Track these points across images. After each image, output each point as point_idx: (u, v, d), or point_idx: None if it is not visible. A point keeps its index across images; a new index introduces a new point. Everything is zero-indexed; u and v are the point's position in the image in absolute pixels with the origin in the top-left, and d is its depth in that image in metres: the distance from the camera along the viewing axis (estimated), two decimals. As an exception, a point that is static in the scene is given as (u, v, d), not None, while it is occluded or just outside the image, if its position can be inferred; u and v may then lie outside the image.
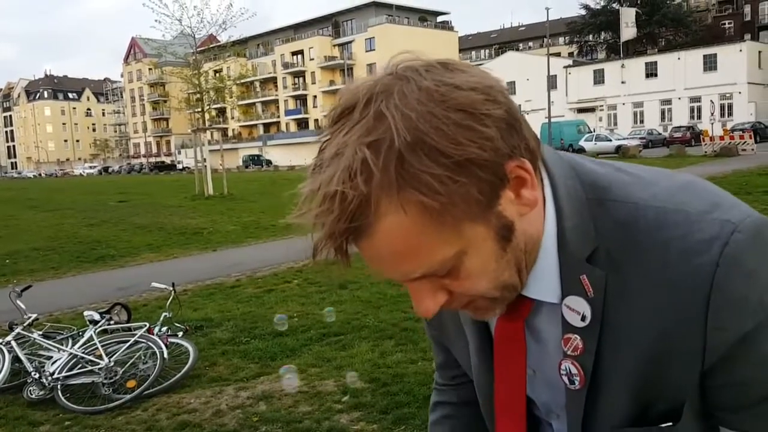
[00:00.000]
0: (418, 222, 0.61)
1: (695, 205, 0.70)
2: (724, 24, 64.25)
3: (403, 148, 0.59)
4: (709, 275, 0.66)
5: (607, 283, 0.71)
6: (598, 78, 55.25)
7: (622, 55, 56.13)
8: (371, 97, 0.62)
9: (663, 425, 0.74)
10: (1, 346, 4.85)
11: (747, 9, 64.27)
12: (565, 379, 0.77)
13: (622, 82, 53.53)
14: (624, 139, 40.21)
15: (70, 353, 4.78)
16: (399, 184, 0.60)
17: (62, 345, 4.98)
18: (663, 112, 52.65)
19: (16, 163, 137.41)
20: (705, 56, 50.02)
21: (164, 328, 5.14)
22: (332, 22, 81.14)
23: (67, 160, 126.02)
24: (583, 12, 62.89)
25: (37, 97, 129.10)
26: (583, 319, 0.73)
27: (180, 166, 77.80)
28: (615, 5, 58.83)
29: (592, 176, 0.75)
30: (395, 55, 0.67)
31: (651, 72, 52.90)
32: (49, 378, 4.60)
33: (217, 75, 29.29)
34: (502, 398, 0.85)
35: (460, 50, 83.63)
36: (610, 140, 39.18)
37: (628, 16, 54.69)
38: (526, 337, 0.80)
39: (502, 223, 0.66)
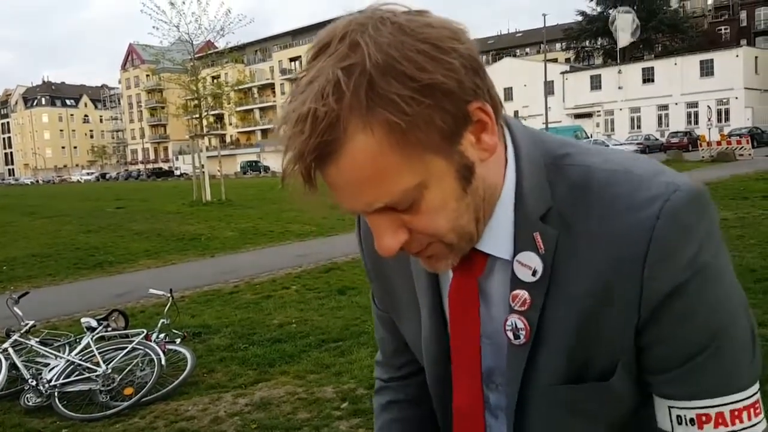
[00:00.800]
0: (384, 143, 0.63)
1: (644, 168, 0.74)
2: (721, 29, 64.50)
3: (373, 71, 0.61)
4: (649, 228, 0.69)
5: (558, 241, 0.74)
6: (595, 83, 55.39)
7: (618, 61, 56.30)
8: (347, 32, 0.64)
9: (596, 382, 0.75)
10: (-2, 354, 4.82)
11: (743, 15, 64.56)
12: (510, 334, 0.77)
13: (619, 88, 53.67)
14: (621, 144, 40.24)
15: (68, 360, 4.76)
16: (368, 105, 0.61)
17: (59, 352, 4.96)
18: (660, 118, 52.78)
19: (13, 170, 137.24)
20: (702, 62, 50.21)
21: (162, 335, 5.11)
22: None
23: (65, 166, 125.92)
24: (579, 18, 63.07)
25: (34, 103, 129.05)
26: (534, 273, 0.75)
27: (177, 173, 77.85)
28: (611, 11, 59.01)
29: (552, 144, 0.79)
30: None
31: (648, 77, 53.07)
32: (47, 385, 4.57)
33: (215, 81, 29.30)
34: (459, 358, 0.85)
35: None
36: (608, 146, 39.11)
37: (623, 21, 54.83)
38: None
39: (463, 163, 0.68)
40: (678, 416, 0.74)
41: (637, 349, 0.74)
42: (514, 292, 0.76)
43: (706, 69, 49.81)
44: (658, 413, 0.76)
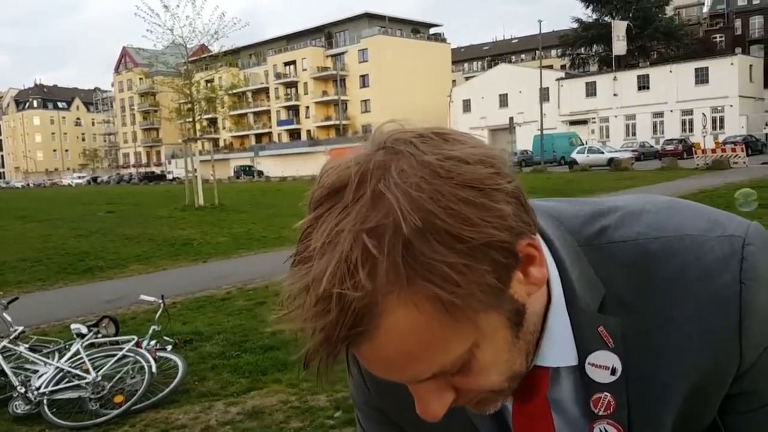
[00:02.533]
0: (431, 318, 0.53)
1: (695, 227, 0.67)
2: (716, 38, 65.05)
3: (410, 233, 0.51)
4: (736, 294, 0.63)
5: (625, 330, 0.67)
6: (590, 90, 55.63)
7: (614, 68, 56.59)
8: (364, 176, 0.54)
9: None
10: (-14, 360, 4.74)
11: (738, 23, 65.12)
12: None
13: (614, 95, 53.93)
14: (616, 151, 40.45)
15: (57, 367, 4.68)
16: (409, 277, 0.52)
17: (49, 359, 4.87)
18: (655, 125, 53.06)
19: (3, 173, 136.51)
20: (697, 69, 50.54)
21: (153, 342, 5.03)
22: (325, 33, 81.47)
23: (56, 170, 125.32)
24: (575, 25, 63.41)
25: (26, 106, 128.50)
26: (613, 372, 0.67)
27: (170, 177, 77.56)
28: (607, 18, 59.35)
29: (575, 221, 0.71)
30: (380, 125, 0.60)
31: (643, 85, 53.35)
32: (36, 392, 4.49)
33: (209, 85, 29.22)
34: None
35: (453, 62, 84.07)
36: (603, 152, 39.41)
37: (619, 30, 55.18)
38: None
39: (514, 308, 0.60)
40: None
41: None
42: (595, 397, 0.69)
43: (701, 77, 50.13)
44: None
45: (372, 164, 0.55)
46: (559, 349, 0.68)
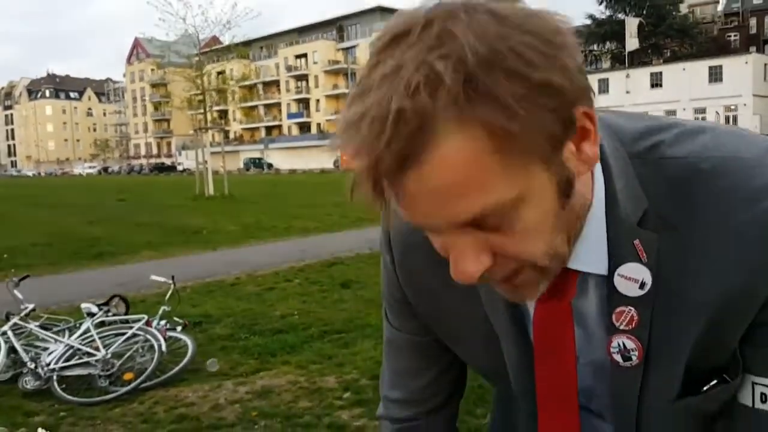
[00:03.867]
0: (484, 148, 0.52)
1: (750, 151, 0.65)
2: (730, 36, 64.39)
3: (474, 64, 0.50)
4: None
5: (661, 247, 0.65)
6: (603, 87, 55.25)
7: (627, 65, 56.19)
8: (432, 19, 0.53)
9: (719, 385, 0.69)
10: (-3, 336, 4.77)
11: (753, 22, 64.48)
12: (618, 357, 0.70)
13: (627, 92, 53.56)
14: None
15: (67, 344, 4.69)
16: (469, 102, 0.51)
17: (59, 336, 4.89)
18: (667, 123, 52.70)
19: (15, 161, 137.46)
20: (710, 67, 50.12)
21: (163, 322, 5.05)
22: (337, 27, 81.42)
23: (67, 159, 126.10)
24: (588, 21, 62.99)
25: (38, 96, 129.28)
26: (642, 286, 0.66)
27: (180, 168, 77.94)
28: (620, 15, 58.89)
29: (632, 132, 0.69)
30: None
31: (656, 82, 52.98)
32: (45, 369, 4.51)
33: (220, 76, 29.28)
34: (546, 391, 0.77)
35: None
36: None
37: (632, 27, 54.78)
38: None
39: (565, 176, 0.58)
40: (762, 394, 0.68)
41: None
42: (618, 310, 0.68)
43: (715, 75, 49.72)
44: (741, 389, 0.70)
45: (438, 10, 0.54)
46: (592, 254, 0.67)
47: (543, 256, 0.61)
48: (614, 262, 0.67)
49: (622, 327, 0.68)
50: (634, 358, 0.69)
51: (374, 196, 0.55)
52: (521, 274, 0.62)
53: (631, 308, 0.67)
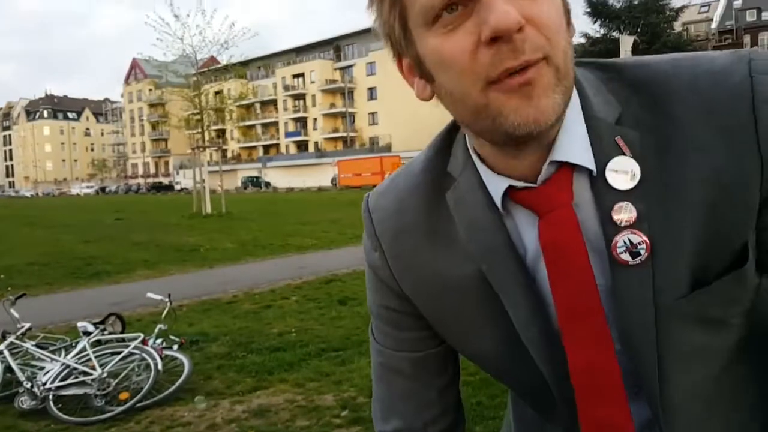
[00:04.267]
0: None
1: (704, 53, 0.70)
2: (723, 54, 64.99)
3: None
4: (747, 89, 0.63)
5: (643, 142, 0.67)
6: (597, 105, 55.64)
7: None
8: None
9: (729, 274, 0.67)
10: (-7, 356, 4.74)
11: (747, 39, 65.03)
12: (626, 256, 0.67)
13: (621, 110, 53.92)
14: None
15: (63, 363, 4.67)
16: None
17: (55, 355, 4.87)
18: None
19: (13, 182, 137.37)
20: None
21: (159, 340, 5.02)
22: (334, 46, 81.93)
23: (65, 179, 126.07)
24: (582, 40, 63.53)
25: (36, 116, 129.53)
26: (632, 177, 0.66)
27: (178, 187, 77.91)
28: (615, 33, 59.41)
29: (602, 62, 0.74)
30: None
31: (649, 100, 53.32)
32: (42, 388, 4.48)
33: (218, 96, 29.40)
34: (576, 317, 0.70)
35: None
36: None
37: (627, 45, 55.23)
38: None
39: (565, 5, 0.65)
40: None
41: (758, 229, 0.67)
42: (617, 206, 0.67)
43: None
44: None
45: None
46: (576, 147, 0.67)
47: (561, 47, 0.62)
48: (601, 160, 0.67)
49: (623, 224, 0.67)
50: (642, 252, 0.66)
51: None
52: (540, 68, 0.61)
53: (627, 202, 0.67)
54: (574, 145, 0.67)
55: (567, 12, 0.65)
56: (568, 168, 0.68)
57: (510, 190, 0.71)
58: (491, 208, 0.73)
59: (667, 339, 0.68)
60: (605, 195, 0.67)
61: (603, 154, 0.67)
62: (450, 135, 0.80)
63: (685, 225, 0.66)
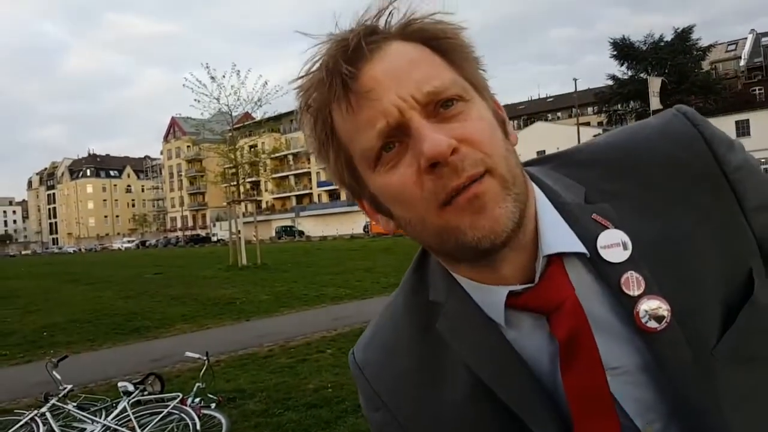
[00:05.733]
0: (425, 50, 0.66)
1: (629, 126, 0.76)
2: (755, 90, 64.18)
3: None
4: (696, 134, 0.70)
5: (616, 209, 0.69)
6: (629, 146, 55.12)
7: (652, 123, 56.00)
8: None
9: (746, 305, 0.67)
10: (36, 418, 4.82)
11: (776, 75, 64.24)
12: (652, 323, 0.64)
13: (654, 149, 53.25)
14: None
15: (104, 425, 4.73)
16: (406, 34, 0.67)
17: (96, 416, 4.94)
18: (697, 178, 51.98)
19: (57, 238, 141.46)
20: (737, 122, 49.73)
21: (197, 399, 5.06)
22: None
23: (107, 235, 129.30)
24: (610, 82, 63.51)
25: (80, 175, 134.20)
26: (625, 247, 0.66)
27: (215, 239, 79.11)
28: (642, 75, 59.28)
29: (548, 155, 0.79)
30: None
31: (683, 139, 52.62)
32: (82, 450, 4.54)
33: (252, 150, 30.11)
34: (582, 400, 0.66)
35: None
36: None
37: (655, 86, 55.00)
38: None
39: (499, 115, 0.69)
40: None
41: (758, 241, 0.69)
42: (624, 279, 0.65)
43: (742, 129, 49.28)
44: None
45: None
46: (559, 236, 0.68)
47: (501, 158, 0.64)
48: (588, 241, 0.67)
49: (636, 293, 0.65)
50: (666, 314, 0.64)
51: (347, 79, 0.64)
52: (484, 182, 0.62)
53: (631, 271, 0.66)
54: (557, 235, 0.68)
55: (502, 122, 0.69)
56: (557, 258, 0.67)
57: (510, 297, 0.68)
58: (489, 326, 0.70)
59: (717, 391, 0.64)
60: (608, 272, 0.66)
61: (588, 234, 0.67)
62: (422, 266, 0.80)
63: (692, 274, 0.66)
